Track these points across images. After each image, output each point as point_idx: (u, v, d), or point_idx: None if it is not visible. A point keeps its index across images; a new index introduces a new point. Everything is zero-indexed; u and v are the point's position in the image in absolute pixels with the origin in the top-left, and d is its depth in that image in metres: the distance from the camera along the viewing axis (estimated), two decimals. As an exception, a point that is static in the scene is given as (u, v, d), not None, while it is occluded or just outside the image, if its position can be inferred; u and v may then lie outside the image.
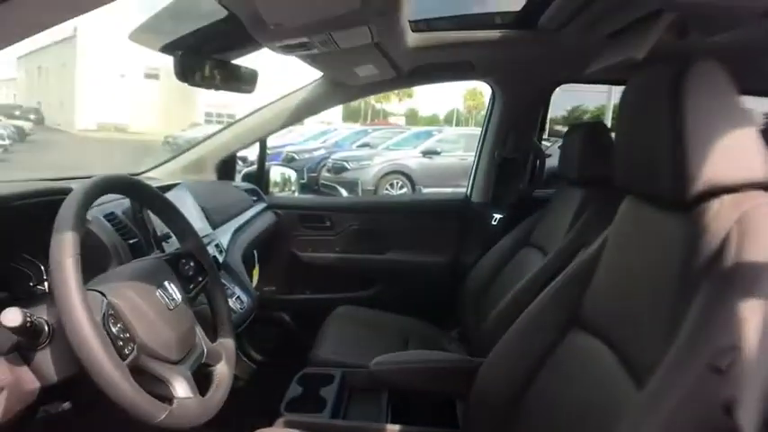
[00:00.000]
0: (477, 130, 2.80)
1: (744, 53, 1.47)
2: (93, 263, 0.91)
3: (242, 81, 1.61)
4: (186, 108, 29.48)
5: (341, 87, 2.19)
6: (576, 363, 1.04)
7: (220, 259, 1.58)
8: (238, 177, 2.45)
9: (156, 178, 2.05)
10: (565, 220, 1.82)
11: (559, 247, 1.73)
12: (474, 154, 2.52)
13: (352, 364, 1.63)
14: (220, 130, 2.35)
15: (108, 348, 0.79)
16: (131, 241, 1.30)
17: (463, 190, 2.56)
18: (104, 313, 0.84)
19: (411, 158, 10.20)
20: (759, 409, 0.65)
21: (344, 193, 9.11)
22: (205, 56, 1.40)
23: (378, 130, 14.53)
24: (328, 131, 15.16)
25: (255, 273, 2.13)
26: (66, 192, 1.00)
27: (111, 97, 29.83)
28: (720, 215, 0.77)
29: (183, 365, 0.96)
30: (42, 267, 1.08)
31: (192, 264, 1.12)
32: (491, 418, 1.17)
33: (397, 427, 1.28)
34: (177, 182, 1.83)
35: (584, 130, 1.83)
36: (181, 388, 0.91)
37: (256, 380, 2.10)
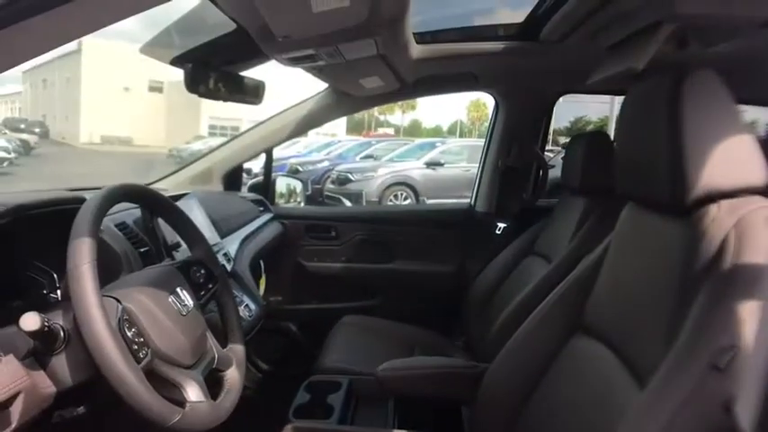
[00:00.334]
0: (481, 142, 2.83)
1: (742, 63, 1.49)
2: (106, 271, 0.92)
3: (249, 92, 1.64)
4: (190, 121, 29.66)
5: (346, 98, 2.22)
6: (579, 367, 1.05)
7: (229, 268, 1.60)
8: (245, 188, 2.47)
9: (164, 189, 2.08)
10: (568, 229, 1.83)
11: (563, 255, 1.75)
12: (478, 165, 2.54)
13: (359, 372, 1.64)
14: (227, 142, 2.38)
15: (124, 352, 0.81)
16: (142, 250, 1.32)
17: (467, 202, 2.58)
18: (119, 318, 0.86)
19: (415, 170, 10.21)
20: (758, 408, 0.66)
21: (349, 204, 9.15)
22: (214, 68, 1.43)
23: (381, 141, 14.58)
24: (332, 143, 15.21)
25: (262, 282, 2.15)
26: (79, 201, 1.03)
27: (115, 111, 30.04)
28: (718, 220, 0.79)
29: (196, 370, 0.98)
30: (55, 276, 1.10)
31: (202, 271, 1.14)
32: (496, 423, 1.18)
33: None
34: (186, 192, 1.85)
35: (587, 139, 1.85)
36: (193, 392, 0.92)
37: (264, 388, 2.11)
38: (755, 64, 1.62)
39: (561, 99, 2.34)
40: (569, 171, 1.91)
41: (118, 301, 0.89)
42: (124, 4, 0.70)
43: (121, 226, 1.32)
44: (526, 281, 1.85)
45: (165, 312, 0.95)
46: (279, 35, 1.19)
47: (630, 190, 1.02)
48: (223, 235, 1.75)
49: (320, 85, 2.17)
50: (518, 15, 1.82)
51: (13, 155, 16.01)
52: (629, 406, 0.79)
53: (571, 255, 1.71)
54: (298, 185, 2.81)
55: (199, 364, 1.00)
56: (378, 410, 1.50)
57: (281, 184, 2.65)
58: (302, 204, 2.78)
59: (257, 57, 1.47)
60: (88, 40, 30.48)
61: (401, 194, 9.92)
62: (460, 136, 35.39)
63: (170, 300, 0.99)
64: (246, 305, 1.55)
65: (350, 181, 9.76)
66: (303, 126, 2.28)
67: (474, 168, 2.58)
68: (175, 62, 1.39)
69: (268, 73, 1.79)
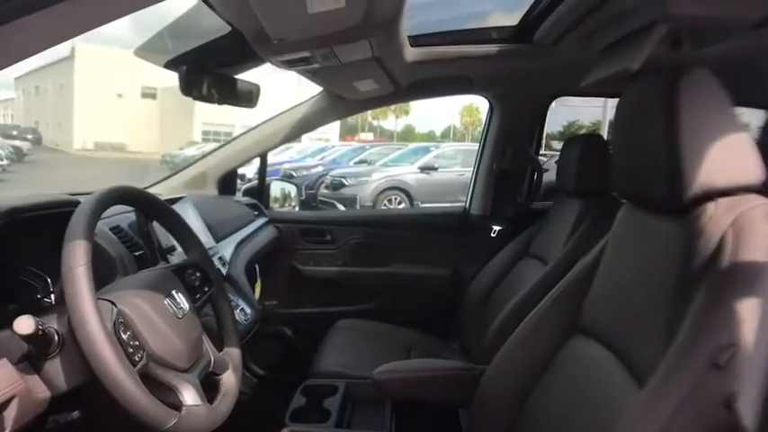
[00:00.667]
0: (475, 146, 2.84)
1: (736, 64, 1.50)
2: (101, 274, 0.92)
3: (243, 96, 1.64)
4: (184, 127, 29.63)
5: (341, 102, 2.22)
6: (577, 367, 1.05)
7: (224, 272, 1.60)
8: (239, 193, 2.47)
9: (159, 193, 2.07)
10: (563, 231, 1.84)
11: (558, 257, 1.75)
12: (471, 168, 2.55)
13: (355, 375, 1.63)
14: (221, 146, 2.37)
15: (119, 355, 0.80)
16: (137, 253, 1.31)
17: (462, 205, 2.58)
18: (114, 321, 0.85)
19: (409, 174, 10.22)
20: (759, 405, 0.66)
21: (342, 209, 9.13)
22: (208, 71, 1.43)
23: (375, 146, 14.60)
24: (326, 148, 15.24)
25: (258, 286, 2.14)
26: (74, 204, 1.02)
27: (108, 117, 29.96)
28: (716, 218, 0.79)
29: (192, 374, 0.97)
30: (49, 280, 1.09)
31: (198, 274, 1.14)
32: (494, 425, 1.18)
33: None
34: (181, 195, 1.85)
35: (582, 142, 1.86)
36: (189, 396, 0.91)
37: (260, 392, 2.10)
38: (749, 65, 1.63)
39: (554, 104, 2.35)
40: (564, 173, 1.91)
41: (113, 303, 0.88)
42: (119, 3, 0.70)
43: (116, 229, 1.31)
44: (522, 283, 1.86)
45: (160, 315, 0.94)
46: (274, 37, 1.19)
47: (627, 190, 1.03)
48: (218, 239, 1.74)
49: (313, 89, 2.17)
50: (512, 18, 1.82)
51: (5, 162, 15.93)
52: (628, 406, 0.79)
53: (567, 257, 1.71)
54: (292, 190, 2.80)
55: (195, 368, 0.99)
56: (375, 414, 1.49)
57: (276, 188, 2.64)
58: (297, 209, 2.78)
59: (252, 60, 1.46)
60: (81, 46, 30.46)
61: (395, 199, 9.92)
62: (453, 140, 35.49)
63: (165, 303, 0.98)
64: (242, 309, 1.54)
65: (344, 186, 9.78)
66: (297, 130, 2.28)
67: (468, 173, 2.58)
68: (169, 65, 1.38)
69: (262, 77, 1.79)
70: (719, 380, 0.67)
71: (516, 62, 1.96)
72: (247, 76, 1.70)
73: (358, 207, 9.30)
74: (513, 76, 2.11)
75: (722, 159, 0.80)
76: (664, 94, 0.85)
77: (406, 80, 2.05)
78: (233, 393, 1.09)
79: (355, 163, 12.17)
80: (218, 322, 1.21)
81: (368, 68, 1.68)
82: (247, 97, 1.68)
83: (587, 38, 1.62)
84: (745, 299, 0.70)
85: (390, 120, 43.00)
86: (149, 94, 33.16)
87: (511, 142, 2.32)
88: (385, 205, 9.72)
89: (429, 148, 11.95)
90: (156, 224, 1.26)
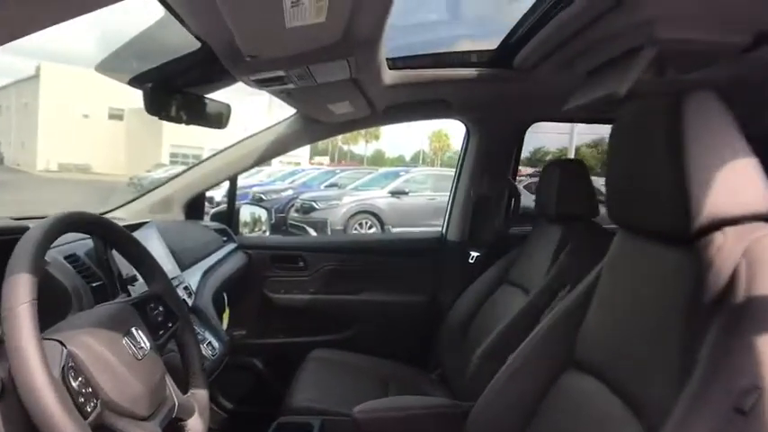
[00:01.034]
0: (445, 171, 2.81)
1: (724, 90, 1.49)
2: (52, 309, 0.82)
3: (214, 116, 1.56)
4: (151, 149, 29.29)
5: (314, 125, 2.16)
6: (573, 404, 0.99)
7: (189, 302, 1.50)
8: (207, 217, 2.36)
9: (121, 218, 1.96)
10: (544, 258, 1.80)
11: (542, 285, 1.71)
12: (442, 193, 2.52)
13: (331, 412, 1.54)
14: (189, 168, 2.27)
15: (67, 405, 0.70)
16: (94, 284, 1.20)
17: (433, 229, 2.53)
18: (63, 366, 0.75)
19: (380, 198, 10.20)
20: None
21: (313, 233, 9.07)
22: (176, 89, 1.34)
23: (345, 170, 14.58)
24: (296, 172, 15.13)
25: (226, 316, 2.03)
26: (21, 231, 0.92)
27: (73, 138, 29.39)
28: (726, 248, 0.74)
29: (153, 422, 0.87)
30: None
31: (160, 308, 1.04)
32: None
33: None
34: (145, 221, 1.74)
35: (562, 167, 1.83)
36: (149, 448, 0.81)
37: (229, 429, 1.98)
38: (737, 91, 1.63)
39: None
40: (544, 199, 1.88)
41: (62, 344, 0.78)
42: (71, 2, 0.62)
43: (71, 258, 1.21)
44: (502, 311, 1.81)
45: (117, 357, 0.84)
46: (247, 54, 1.12)
47: (623, 218, 0.98)
48: (184, 267, 1.64)
49: (285, 112, 2.10)
50: (492, 42, 1.79)
51: (-38, 182, 15.37)
52: None
53: (550, 285, 1.67)
54: (263, 214, 2.71)
55: (157, 415, 0.89)
56: None
57: (246, 212, 2.55)
58: (267, 233, 2.68)
59: (223, 78, 1.39)
60: (47, 66, 29.91)
61: (366, 223, 9.87)
62: (423, 165, 35.81)
63: (124, 342, 0.88)
64: (209, 342, 1.44)
65: (314, 209, 9.69)
66: (269, 153, 2.20)
67: (438, 197, 2.54)
68: (133, 82, 1.29)
69: (231, 100, 1.71)
70: (745, 426, 0.61)
71: (495, 86, 1.93)
72: (217, 95, 1.62)
73: (329, 231, 9.23)
74: (491, 100, 2.08)
75: (730, 186, 0.76)
76: (667, 117, 0.81)
77: (383, 103, 2.00)
78: (199, 441, 0.99)
79: (326, 186, 12.11)
80: (184, 361, 1.11)
81: (344, 90, 1.63)
82: (217, 118, 1.60)
83: (569, 62, 1.60)
84: (764, 334, 0.65)
85: (360, 144, 43.23)
86: (116, 115, 32.68)
87: (488, 167, 2.29)
88: (356, 229, 9.66)
89: (399, 172, 11.96)
90: (116, 252, 1.16)
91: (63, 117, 29.79)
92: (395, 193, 10.31)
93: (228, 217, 2.36)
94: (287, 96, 1.66)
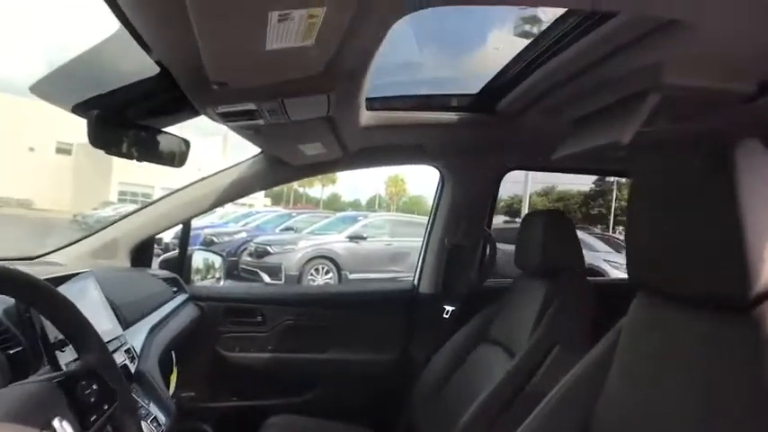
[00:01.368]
0: (402, 217, 2.70)
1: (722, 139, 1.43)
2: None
3: (170, 153, 1.38)
4: (99, 185, 28.53)
5: (280, 166, 2.00)
6: None
7: (132, 368, 1.27)
8: (156, 264, 2.14)
9: (57, 263, 1.73)
10: (529, 314, 1.67)
11: (528, 345, 1.57)
12: (400, 239, 2.39)
13: None
14: (139, 209, 2.05)
15: None
16: (12, 351, 0.98)
17: (389, 276, 2.39)
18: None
19: (337, 243, 10.01)
20: None
21: (266, 278, 8.81)
22: (128, 120, 1.16)
23: (302, 213, 14.40)
24: (251, 214, 14.84)
25: (173, 378, 1.79)
26: None
27: (16, 171, 28.27)
28: None
29: None
30: None
31: (94, 386, 0.83)
32: None
33: None
34: (82, 270, 1.52)
35: (545, 219, 1.73)
36: None
37: None
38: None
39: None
40: (526, 252, 1.77)
41: None
42: None
43: (-18, 317, 0.99)
44: (483, 372, 1.67)
45: None
46: (215, 80, 0.96)
47: (653, 280, 0.85)
48: (127, 324, 1.42)
49: (244, 153, 1.95)
50: (474, 86, 1.70)
51: None
52: None
53: (538, 345, 1.54)
54: (217, 260, 2.49)
55: None
56: None
57: (199, 258, 2.33)
58: (222, 282, 2.46)
59: (183, 110, 1.22)
60: (-10, 97, 28.90)
61: (322, 268, 9.63)
62: (380, 210, 35.97)
63: (42, 438, 0.68)
64: (154, 417, 1.21)
65: (269, 254, 9.43)
66: (229, 195, 2.02)
67: (396, 242, 2.42)
68: (78, 110, 1.10)
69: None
70: None
71: (475, 132, 1.84)
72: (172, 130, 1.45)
73: (283, 276, 8.96)
74: (470, 146, 1.99)
75: None
76: (715, 170, 0.70)
77: (356, 145, 1.87)
78: None
79: (281, 230, 11.93)
80: (120, 451, 0.90)
81: (318, 129, 1.50)
82: (173, 155, 1.41)
83: (557, 109, 1.52)
84: None
85: (317, 187, 43.13)
86: (65, 150, 31.73)
87: (463, 215, 2.17)
88: (311, 275, 9.40)
89: (357, 217, 11.87)
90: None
91: (6, 150, 28.68)
92: (353, 238, 10.16)
93: (180, 264, 2.15)
94: (253, 134, 1.50)
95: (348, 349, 2.18)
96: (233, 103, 1.11)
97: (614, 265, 7.44)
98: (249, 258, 9.49)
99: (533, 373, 1.48)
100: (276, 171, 2.02)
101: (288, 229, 11.98)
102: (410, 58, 1.68)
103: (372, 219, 11.77)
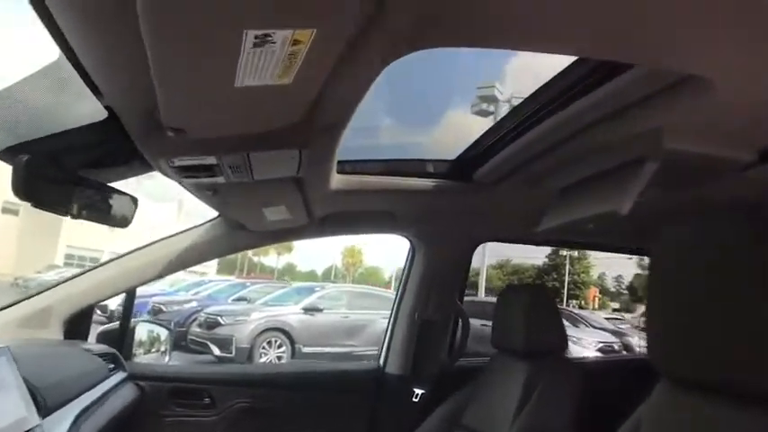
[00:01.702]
0: (360, 288, 2.56)
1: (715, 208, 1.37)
2: None
3: (115, 211, 1.21)
4: (46, 248, 27.57)
5: (239, 232, 1.84)
6: None
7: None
8: (93, 336, 1.90)
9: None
10: (509, 400, 1.54)
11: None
12: (356, 311, 2.23)
13: None
14: (78, 274, 1.84)
15: None
16: None
17: (345, 350, 2.21)
18: None
19: (291, 315, 9.68)
20: None
21: (216, 350, 8.39)
22: (66, 171, 1.00)
23: (256, 283, 14.01)
24: (202, 282, 14.35)
25: (103, 472, 1.54)
26: None
27: (-46, 230, 27.09)
28: None
29: None
30: None
31: None
32: None
33: None
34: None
35: (527, 295, 1.62)
36: None
37: None
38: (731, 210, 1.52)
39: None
40: (505, 331, 1.65)
41: None
42: None
43: None
44: None
45: None
46: (169, 125, 0.81)
47: (680, 369, 0.73)
48: (48, 411, 1.20)
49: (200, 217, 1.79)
50: (451, 152, 1.62)
51: None
52: None
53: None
54: (163, 333, 2.26)
55: None
56: None
57: (143, 331, 2.10)
58: (167, 359, 2.22)
59: (132, 161, 1.06)
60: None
61: (275, 341, 9.23)
62: (335, 281, 35.58)
63: None
64: None
65: (219, 325, 9.02)
66: (180, 262, 1.84)
67: (353, 315, 2.27)
68: (6, 154, 0.93)
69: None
70: None
71: (450, 200, 1.74)
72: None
73: (233, 348, 8.54)
74: (444, 215, 1.88)
75: None
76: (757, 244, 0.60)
77: (324, 211, 1.75)
78: None
79: (234, 300, 11.55)
80: None
81: (284, 192, 1.37)
82: (117, 214, 1.24)
83: (538, 179, 1.44)
84: None
85: (272, 256, 42.43)
86: (12, 210, 30.67)
87: (435, 288, 2.04)
88: (264, 348, 8.98)
89: (314, 288, 11.59)
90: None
91: (-57, 209, 27.54)
92: (308, 310, 9.85)
93: (120, 338, 1.91)
94: (211, 195, 1.35)
95: None
96: (190, 154, 0.97)
97: (573, 340, 7.38)
98: (199, 329, 9.03)
99: None
100: (234, 237, 1.86)
101: (241, 299, 11.60)
102: (382, 122, 1.60)
103: (329, 290, 11.50)
